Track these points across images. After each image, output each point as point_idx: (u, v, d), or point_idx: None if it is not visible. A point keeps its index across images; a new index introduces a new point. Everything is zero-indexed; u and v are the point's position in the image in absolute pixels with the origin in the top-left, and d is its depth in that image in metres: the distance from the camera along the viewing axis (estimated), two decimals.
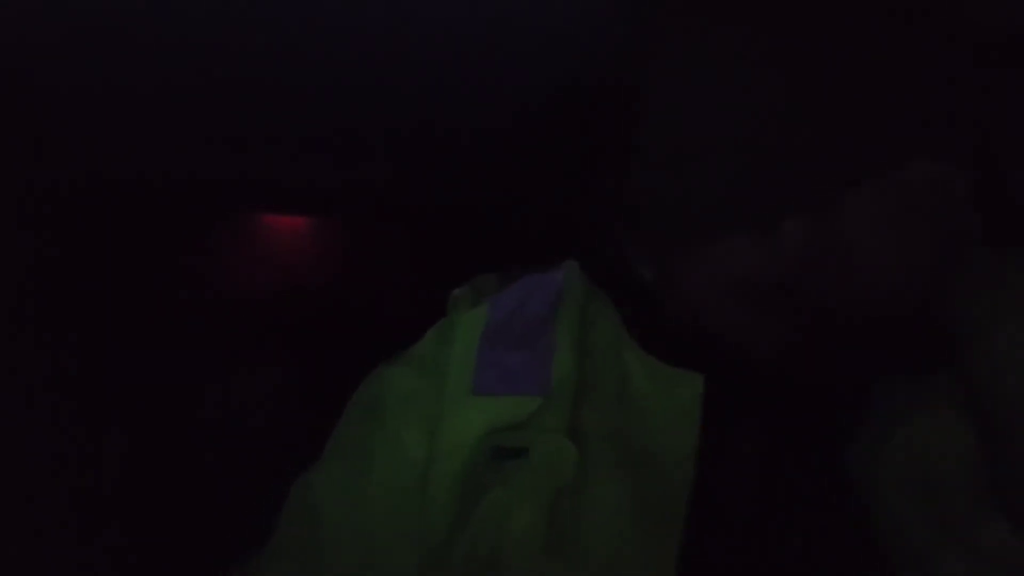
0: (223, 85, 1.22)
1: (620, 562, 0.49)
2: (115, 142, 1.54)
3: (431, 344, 0.61)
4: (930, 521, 0.51)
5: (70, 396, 1.71)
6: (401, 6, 0.94)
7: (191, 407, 1.90)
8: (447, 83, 1.17)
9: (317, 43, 1.05)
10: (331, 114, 1.35)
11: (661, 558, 0.49)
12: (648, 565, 0.49)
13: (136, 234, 1.87)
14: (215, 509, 1.62)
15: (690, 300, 0.57)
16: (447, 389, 0.57)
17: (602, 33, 0.76)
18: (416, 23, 0.98)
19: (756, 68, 0.52)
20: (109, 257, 1.82)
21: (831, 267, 0.52)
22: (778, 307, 0.54)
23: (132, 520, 1.69)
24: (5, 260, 1.62)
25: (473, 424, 0.55)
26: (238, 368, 1.94)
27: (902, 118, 0.51)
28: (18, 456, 1.53)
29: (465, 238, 1.83)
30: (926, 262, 0.53)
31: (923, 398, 0.54)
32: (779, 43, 0.51)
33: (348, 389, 0.66)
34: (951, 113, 0.52)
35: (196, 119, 1.41)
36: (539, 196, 1.51)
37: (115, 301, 1.83)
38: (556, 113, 1.13)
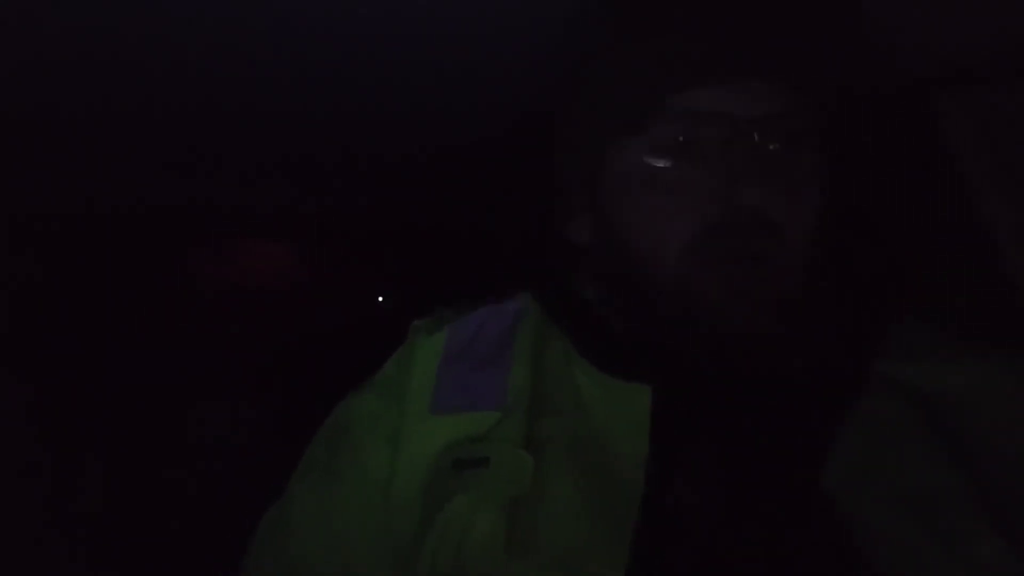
0: (198, 111, 1.24)
1: (575, 562, 0.52)
2: (89, 170, 1.55)
3: (391, 370, 0.65)
4: (925, 536, 0.52)
5: (46, 425, 1.69)
6: (367, 42, 0.96)
7: (169, 434, 1.89)
8: (414, 115, 1.19)
9: (289, 74, 1.07)
10: (303, 142, 1.36)
11: (613, 557, 0.51)
12: (600, 563, 0.51)
13: (113, 261, 1.86)
14: (193, 537, 1.61)
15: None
16: (408, 409, 0.61)
17: (558, 67, 0.79)
18: (380, 57, 1.00)
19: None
20: (85, 284, 1.82)
21: (607, 237, 0.59)
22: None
23: (110, 551, 1.68)
24: None
25: (433, 440, 0.59)
26: (216, 396, 1.93)
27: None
28: None
29: (438, 266, 1.85)
30: (670, 229, 0.57)
31: (911, 421, 0.57)
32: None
33: (323, 416, 0.68)
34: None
35: (173, 145, 1.42)
36: (497, 226, 1.54)
37: (91, 328, 1.82)
38: (513, 144, 1.16)
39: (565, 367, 0.60)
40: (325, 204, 1.72)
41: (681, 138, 0.56)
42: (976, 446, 0.55)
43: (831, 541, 0.53)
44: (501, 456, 0.55)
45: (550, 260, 0.69)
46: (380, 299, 2.11)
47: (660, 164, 0.57)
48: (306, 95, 1.15)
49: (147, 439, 1.84)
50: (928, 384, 0.58)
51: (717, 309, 0.55)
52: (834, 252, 0.59)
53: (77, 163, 1.50)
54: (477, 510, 0.53)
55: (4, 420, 1.60)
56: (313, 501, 0.62)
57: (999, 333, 0.69)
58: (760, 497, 0.55)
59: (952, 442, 0.56)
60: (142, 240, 1.88)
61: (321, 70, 1.06)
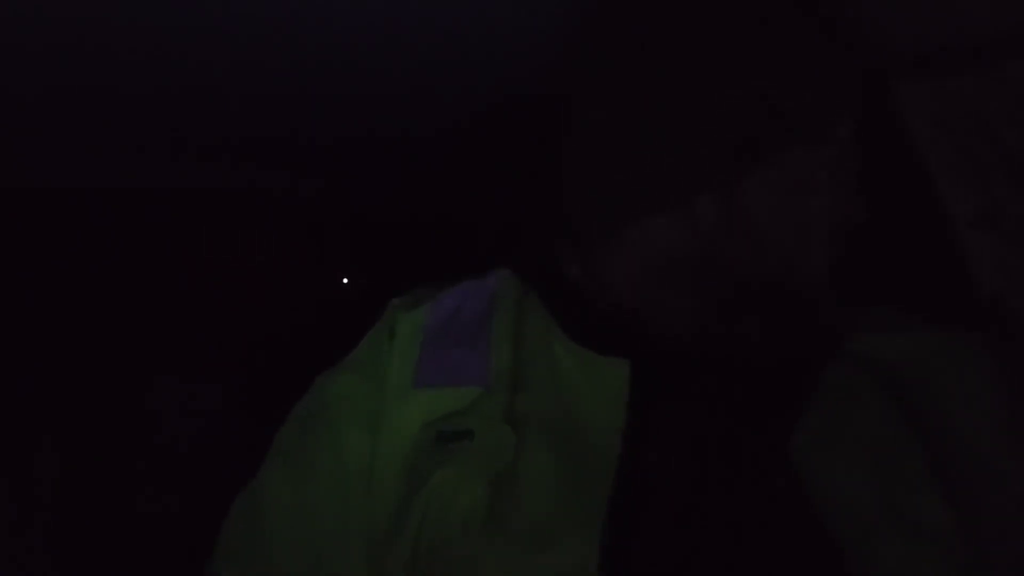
0: (157, 91, 1.21)
1: (550, 532, 0.53)
2: (45, 147, 1.51)
3: (368, 348, 0.65)
4: (876, 500, 0.55)
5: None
6: (340, 18, 0.95)
7: (130, 424, 1.86)
8: (387, 93, 1.18)
9: (254, 52, 1.06)
10: (273, 123, 1.35)
11: (587, 528, 0.53)
12: (575, 534, 0.53)
13: (75, 245, 1.82)
14: (159, 524, 1.59)
15: (615, 283, 0.63)
16: (388, 385, 0.61)
17: (537, 48, 0.79)
18: (356, 34, 1.00)
19: (665, 71, 0.60)
20: (41, 268, 1.78)
21: (737, 239, 0.59)
22: (693, 282, 0.61)
23: (70, 537, 1.65)
24: None
25: (416, 415, 0.59)
26: (179, 381, 1.91)
27: (787, 110, 0.59)
28: None
29: (406, 247, 1.84)
30: (817, 233, 0.61)
31: (869, 391, 0.61)
32: (683, 53, 0.60)
33: (291, 401, 0.67)
34: (835, 103, 0.61)
35: (131, 124, 1.39)
36: (476, 206, 1.54)
37: (48, 313, 1.78)
38: (492, 124, 1.16)
39: (544, 341, 0.62)
40: (291, 185, 1.71)
41: (838, 153, 0.61)
42: (925, 416, 0.59)
43: (796, 508, 0.55)
44: (484, 431, 0.57)
45: (533, 239, 0.70)
46: (344, 280, 2.10)
47: (820, 175, 0.60)
48: (273, 74, 1.13)
49: (107, 421, 1.81)
50: (883, 355, 0.62)
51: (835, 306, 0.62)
52: None
53: (30, 139, 1.46)
54: (461, 483, 0.55)
55: None
56: (287, 487, 0.62)
57: (949, 311, 0.74)
58: (730, 467, 0.57)
59: (904, 411, 0.60)
60: (105, 222, 1.85)
61: (289, 49, 1.04)
